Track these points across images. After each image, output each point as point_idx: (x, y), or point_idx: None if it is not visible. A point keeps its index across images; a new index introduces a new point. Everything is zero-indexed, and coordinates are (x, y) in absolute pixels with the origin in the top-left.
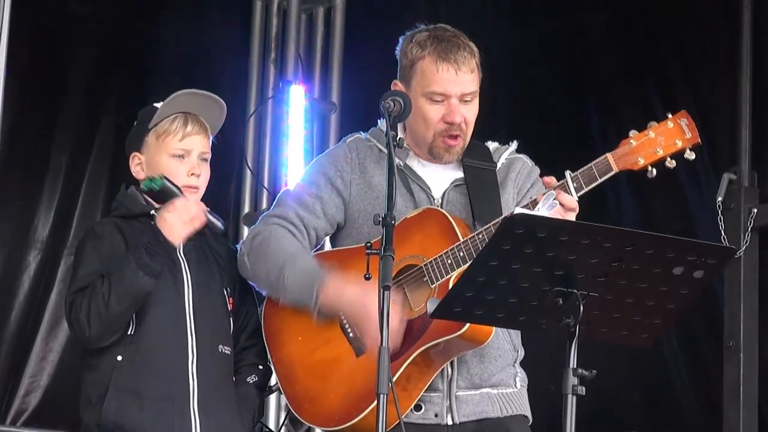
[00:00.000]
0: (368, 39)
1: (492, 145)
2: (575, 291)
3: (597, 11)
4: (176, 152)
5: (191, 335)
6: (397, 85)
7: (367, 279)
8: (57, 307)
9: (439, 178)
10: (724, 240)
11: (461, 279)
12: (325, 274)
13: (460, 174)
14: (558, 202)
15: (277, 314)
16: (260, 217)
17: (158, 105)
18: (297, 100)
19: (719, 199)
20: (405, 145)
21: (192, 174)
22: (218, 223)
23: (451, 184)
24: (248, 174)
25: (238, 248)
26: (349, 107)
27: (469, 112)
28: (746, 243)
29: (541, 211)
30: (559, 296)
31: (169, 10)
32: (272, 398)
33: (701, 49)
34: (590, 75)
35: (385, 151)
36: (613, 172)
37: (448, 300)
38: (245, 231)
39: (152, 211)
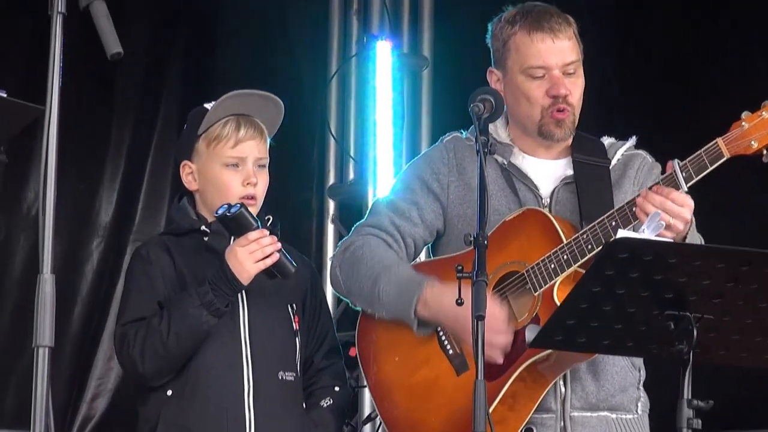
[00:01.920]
0: None
1: (607, 141)
2: (688, 314)
3: None
4: (230, 161)
5: (247, 364)
6: (493, 73)
7: (460, 305)
8: None
9: (548, 174)
10: None
11: (562, 306)
12: (425, 283)
13: (570, 171)
14: (664, 223)
15: (371, 334)
16: (353, 228)
17: (209, 105)
18: (384, 57)
19: None
20: (509, 140)
21: (248, 183)
22: (290, 265)
23: (561, 181)
24: (332, 142)
25: (330, 261)
26: (444, 62)
27: (574, 86)
28: None
29: (646, 232)
30: (670, 320)
31: None
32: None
33: None
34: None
35: (487, 150)
36: (724, 158)
37: (548, 328)
38: (331, 205)
39: (202, 227)
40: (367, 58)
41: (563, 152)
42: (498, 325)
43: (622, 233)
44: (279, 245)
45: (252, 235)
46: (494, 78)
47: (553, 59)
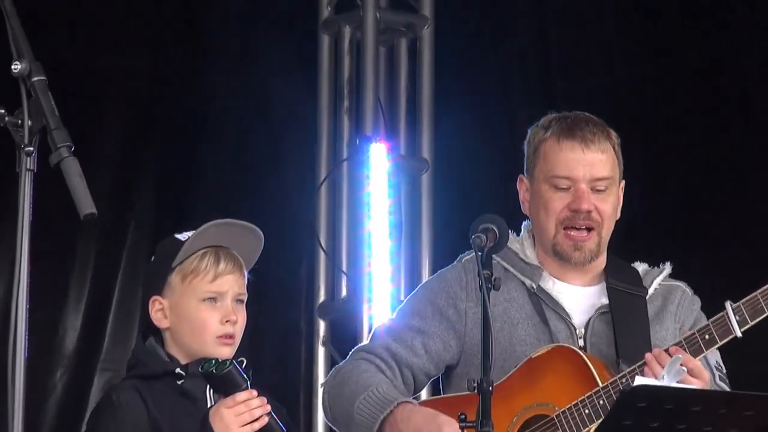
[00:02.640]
0: (464, 75)
1: (641, 267)
2: None
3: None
4: (208, 295)
5: None
6: (523, 181)
7: None
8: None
9: (581, 302)
10: None
11: None
12: (399, 401)
13: (605, 299)
14: (686, 369)
15: None
16: (353, 351)
17: (181, 237)
18: (379, 160)
19: None
20: (537, 261)
21: (227, 321)
22: (279, 429)
23: (597, 311)
24: (322, 255)
25: (323, 385)
26: (445, 165)
27: (604, 203)
28: None
29: (666, 379)
30: None
31: (213, 58)
32: None
33: None
34: None
35: (512, 271)
36: None
37: None
38: (321, 325)
39: (177, 369)
40: (360, 162)
41: (596, 278)
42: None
43: (639, 380)
44: (268, 407)
45: (240, 396)
46: (523, 187)
47: (579, 171)
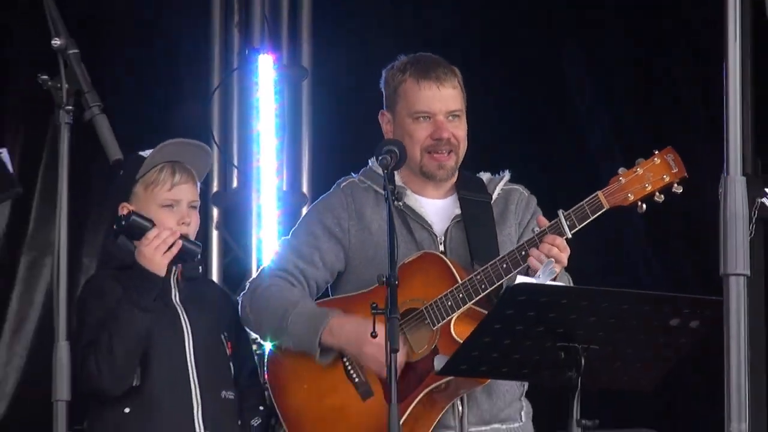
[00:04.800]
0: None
1: (485, 176)
2: (576, 345)
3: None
4: (166, 202)
5: (195, 384)
6: (384, 115)
7: (374, 337)
8: (18, 311)
9: (440, 214)
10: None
11: (467, 340)
12: (330, 314)
13: (458, 209)
14: (556, 270)
15: (282, 364)
16: (259, 271)
17: (144, 154)
18: (266, 70)
19: (721, 190)
20: (401, 182)
21: (182, 223)
22: (194, 248)
23: (452, 220)
24: (215, 150)
25: (239, 301)
26: (323, 72)
27: (458, 129)
28: (752, 230)
29: (542, 278)
30: (561, 351)
31: None
32: None
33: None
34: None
35: (381, 192)
36: (604, 209)
37: (455, 359)
38: (215, 211)
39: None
40: (249, 71)
41: (450, 190)
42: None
43: (520, 279)
44: (178, 233)
45: (150, 234)
46: (385, 120)
47: (437, 105)
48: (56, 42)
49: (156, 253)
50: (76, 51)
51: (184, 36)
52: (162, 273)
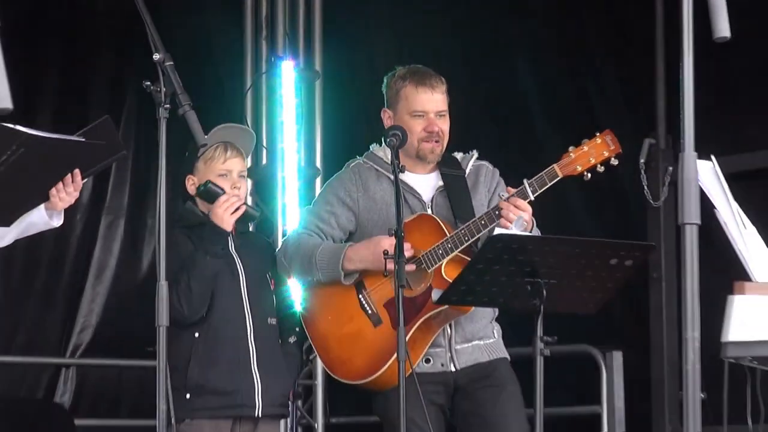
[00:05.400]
0: (344, 13)
1: (459, 155)
2: (539, 280)
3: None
4: (221, 172)
5: (248, 313)
6: (386, 112)
7: (386, 277)
8: (99, 260)
9: (427, 186)
10: (647, 193)
11: (457, 278)
12: (345, 246)
13: (440, 182)
14: (526, 224)
15: (311, 301)
16: (291, 232)
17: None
18: (288, 73)
19: (642, 160)
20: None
21: (234, 187)
22: (254, 211)
23: (436, 190)
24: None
25: (276, 253)
26: (331, 74)
27: (444, 125)
28: (665, 195)
29: (514, 229)
30: (528, 284)
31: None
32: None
33: (626, 39)
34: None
35: (381, 170)
36: (559, 178)
37: (448, 292)
38: (248, 182)
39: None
40: (274, 74)
41: (434, 168)
42: (388, 240)
43: (498, 231)
44: (242, 200)
45: (221, 199)
46: (387, 116)
47: (430, 106)
48: (156, 56)
49: (225, 213)
50: (171, 63)
51: (223, 48)
52: (229, 229)
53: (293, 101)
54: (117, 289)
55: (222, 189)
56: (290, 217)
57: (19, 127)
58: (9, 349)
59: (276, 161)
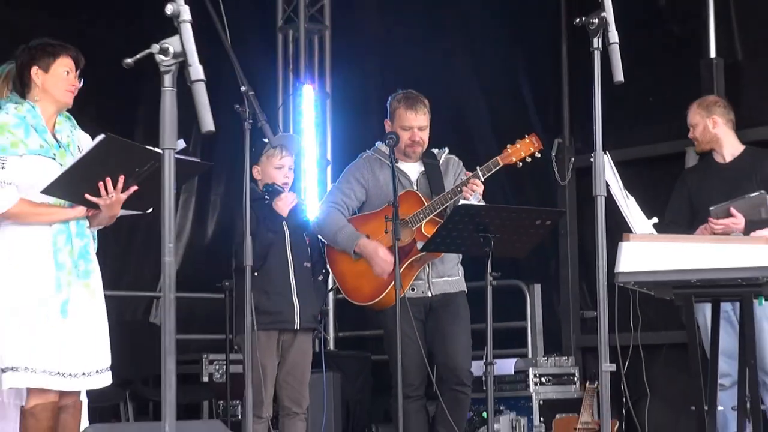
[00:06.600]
0: (349, 50)
1: (435, 150)
2: (489, 234)
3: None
4: (278, 165)
5: (290, 261)
6: (387, 122)
7: (386, 233)
8: (180, 224)
9: (413, 171)
10: (557, 176)
11: (434, 234)
12: (360, 237)
13: (422, 169)
14: (480, 196)
15: (333, 250)
16: (322, 204)
17: (265, 140)
18: (308, 94)
19: (553, 153)
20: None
21: (286, 177)
22: (302, 206)
23: (420, 174)
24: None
25: (312, 222)
26: (338, 95)
27: (425, 135)
28: (569, 177)
29: (472, 200)
30: (482, 237)
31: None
32: None
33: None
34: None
35: (385, 161)
36: (500, 165)
37: (428, 244)
38: None
39: (265, 198)
40: (298, 95)
41: (418, 159)
42: (386, 259)
43: (462, 202)
44: (296, 199)
45: (282, 195)
46: (387, 124)
47: (415, 123)
48: (243, 88)
49: (283, 204)
50: (252, 92)
51: (262, 76)
52: (285, 214)
53: (312, 114)
54: (191, 245)
55: (282, 188)
56: (310, 193)
57: (151, 148)
58: (119, 285)
59: (299, 155)
